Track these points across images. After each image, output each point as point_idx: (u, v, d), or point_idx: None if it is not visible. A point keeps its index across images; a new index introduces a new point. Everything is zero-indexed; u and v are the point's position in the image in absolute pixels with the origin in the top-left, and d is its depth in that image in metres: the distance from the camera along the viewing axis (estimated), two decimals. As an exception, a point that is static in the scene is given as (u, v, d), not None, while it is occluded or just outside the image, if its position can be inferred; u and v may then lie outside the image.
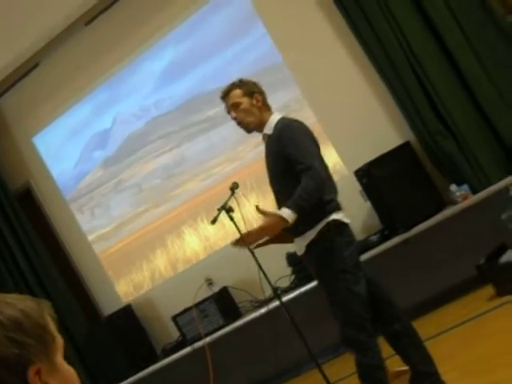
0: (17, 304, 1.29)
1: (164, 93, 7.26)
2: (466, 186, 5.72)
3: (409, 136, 6.12)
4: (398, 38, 5.90)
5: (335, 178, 6.40)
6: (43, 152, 7.82)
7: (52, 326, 1.33)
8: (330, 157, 6.45)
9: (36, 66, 7.48)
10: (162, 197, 7.37)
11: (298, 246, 4.10)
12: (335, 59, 6.39)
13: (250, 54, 6.84)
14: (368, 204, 6.05)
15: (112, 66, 7.27)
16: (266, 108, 4.25)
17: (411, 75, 5.89)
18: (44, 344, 1.29)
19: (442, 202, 5.89)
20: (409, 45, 5.86)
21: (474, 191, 5.69)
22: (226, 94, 4.26)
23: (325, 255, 3.92)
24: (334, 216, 3.96)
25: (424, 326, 5.35)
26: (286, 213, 3.81)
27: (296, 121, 4.18)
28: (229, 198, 4.44)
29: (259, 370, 6.29)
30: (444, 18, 5.74)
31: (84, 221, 7.82)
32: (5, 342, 1.22)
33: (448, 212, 5.67)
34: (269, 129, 4.16)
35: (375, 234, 5.96)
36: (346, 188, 6.13)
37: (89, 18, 7.10)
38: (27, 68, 7.46)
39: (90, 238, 7.80)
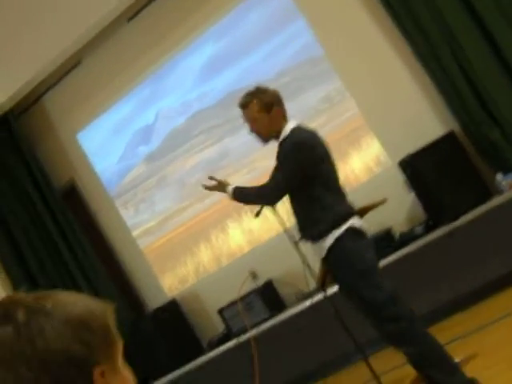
0: (85, 304, 1.31)
1: (205, 88, 7.29)
2: (512, 175, 5.66)
3: (453, 125, 6.07)
4: (440, 27, 5.85)
5: (379, 169, 6.45)
6: (87, 149, 7.90)
7: (115, 329, 1.35)
8: (373, 148, 6.44)
9: (79, 63, 7.56)
10: (205, 191, 7.38)
11: (318, 250, 4.10)
12: (377, 50, 6.36)
13: (289, 48, 6.84)
14: (412, 195, 6.01)
15: (154, 62, 7.32)
16: (283, 118, 4.20)
17: (454, 64, 5.84)
18: (109, 345, 1.31)
19: (489, 192, 5.83)
20: (452, 33, 5.81)
21: (521, 180, 5.63)
22: (243, 107, 4.21)
23: (345, 258, 3.94)
24: (352, 221, 3.98)
25: (471, 319, 5.32)
26: (230, 188, 4.27)
27: (304, 134, 4.17)
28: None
29: (304, 363, 6.29)
30: (488, 6, 5.67)
31: (128, 216, 7.89)
32: (74, 341, 1.24)
33: (495, 202, 5.62)
34: (283, 137, 4.17)
35: (420, 224, 5.92)
36: (389, 179, 6.13)
37: (131, 15, 7.15)
38: (70, 65, 7.53)
39: (135, 233, 7.87)
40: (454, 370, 3.75)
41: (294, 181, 4.04)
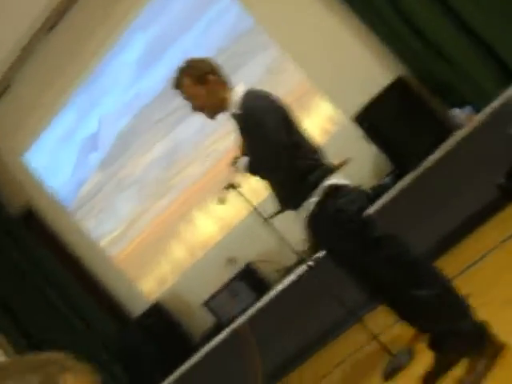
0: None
1: (143, 82, 7.16)
2: (468, 108, 5.62)
3: (400, 71, 6.01)
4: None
5: (334, 129, 6.39)
6: (36, 168, 7.73)
7: None
8: (325, 109, 6.38)
9: (8, 86, 7.37)
10: (165, 187, 7.29)
11: (300, 218, 3.88)
12: (309, 10, 6.26)
13: (220, 25, 6.74)
14: (374, 148, 5.96)
15: (84, 67, 7.17)
16: (223, 86, 3.91)
17: (389, 7, 5.77)
18: None
19: (449, 130, 5.80)
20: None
21: (478, 111, 5.59)
22: (176, 87, 3.93)
23: (334, 222, 3.70)
24: (330, 180, 3.77)
25: (458, 258, 5.30)
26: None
27: (260, 93, 3.93)
28: (233, 174, 4.31)
29: (301, 337, 6.24)
30: None
31: (92, 228, 7.75)
32: None
33: (456, 137, 5.58)
34: (234, 107, 3.86)
35: (388, 176, 5.88)
36: (348, 137, 6.07)
37: (50, 24, 6.97)
38: (0, 91, 7.36)
39: (102, 243, 7.73)
40: (467, 313, 3.61)
41: (283, 133, 3.77)
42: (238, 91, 3.88)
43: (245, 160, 3.80)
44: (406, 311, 3.79)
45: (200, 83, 3.85)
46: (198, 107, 3.90)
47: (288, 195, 3.80)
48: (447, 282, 3.64)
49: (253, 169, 3.81)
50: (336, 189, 3.75)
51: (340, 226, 3.66)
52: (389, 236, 3.73)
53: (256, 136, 3.77)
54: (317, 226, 3.76)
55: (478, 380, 3.26)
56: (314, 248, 4.23)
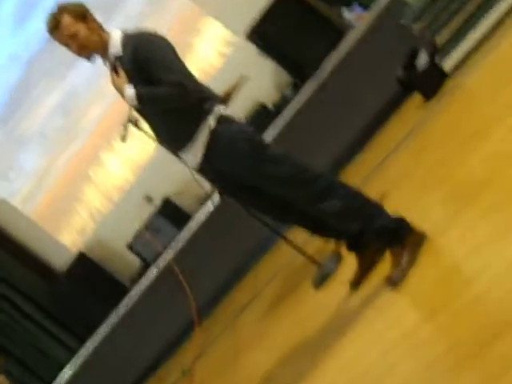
0: None
1: (25, 33, 6.91)
2: (357, 7, 5.61)
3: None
4: None
5: (229, 50, 6.32)
6: None
7: None
8: (217, 31, 6.29)
9: None
10: (69, 134, 7.14)
11: (192, 156, 3.75)
12: None
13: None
14: (270, 63, 5.92)
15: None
16: (100, 26, 3.64)
17: None
18: None
19: (341, 32, 5.78)
20: None
21: (367, 8, 5.58)
22: (55, 27, 3.57)
23: (234, 144, 3.61)
24: (221, 111, 3.67)
25: (368, 158, 5.35)
26: (128, 89, 3.50)
27: (145, 32, 3.78)
28: (130, 111, 4.20)
29: (229, 263, 6.27)
30: None
31: (2, 188, 7.56)
32: None
33: (350, 37, 5.57)
34: (116, 49, 3.60)
35: (288, 87, 5.86)
36: (245, 56, 6.01)
37: None
38: None
39: (15, 202, 7.56)
40: (379, 211, 3.62)
41: (179, 65, 3.63)
42: (115, 34, 3.72)
43: (131, 91, 3.61)
44: (316, 226, 3.80)
45: (81, 20, 3.67)
46: (80, 46, 3.71)
47: (181, 129, 3.68)
48: (352, 188, 3.65)
49: (144, 101, 3.65)
50: (226, 117, 3.68)
51: (241, 146, 3.59)
52: (287, 154, 3.69)
53: (150, 71, 3.65)
54: (214, 153, 3.66)
55: (405, 271, 3.29)
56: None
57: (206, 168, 3.69)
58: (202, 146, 3.59)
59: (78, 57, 3.73)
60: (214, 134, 3.57)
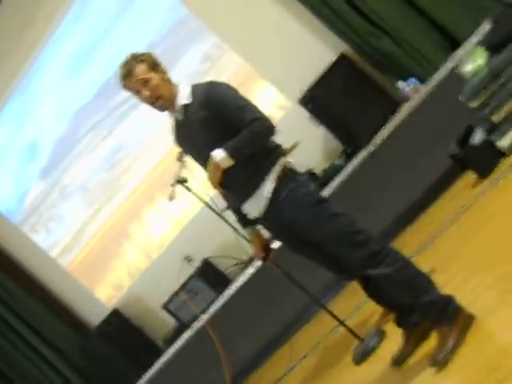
0: None
1: (77, 84, 7.07)
2: (413, 80, 5.66)
3: (342, 47, 6.02)
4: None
5: (280, 114, 6.39)
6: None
7: None
8: (269, 94, 6.38)
9: None
10: (111, 189, 7.23)
11: (255, 204, 3.81)
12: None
13: (152, 16, 6.69)
14: (322, 129, 5.97)
15: (14, 75, 7.05)
16: (170, 79, 3.87)
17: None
18: None
19: (396, 103, 5.83)
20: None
21: (424, 82, 5.64)
22: (129, 74, 3.80)
23: (298, 196, 3.69)
24: (286, 160, 3.76)
25: (416, 234, 5.34)
26: (216, 152, 3.60)
27: (216, 80, 3.92)
28: (179, 170, 4.27)
29: (267, 330, 6.25)
30: None
31: (41, 239, 7.66)
32: None
33: (404, 110, 5.61)
34: (185, 98, 3.81)
35: (339, 156, 5.90)
36: (295, 120, 6.08)
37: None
38: None
39: (54, 253, 7.65)
40: (430, 285, 3.62)
41: (253, 103, 3.72)
42: (184, 86, 3.85)
43: (221, 153, 3.65)
44: (370, 290, 3.81)
45: (154, 70, 3.82)
46: (152, 94, 3.82)
47: (251, 176, 3.73)
48: (405, 259, 3.66)
49: (238, 154, 3.67)
50: (292, 168, 3.75)
51: (303, 199, 3.64)
52: (346, 214, 3.73)
53: (225, 113, 3.72)
54: (280, 201, 3.71)
55: (451, 353, 3.28)
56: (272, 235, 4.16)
57: (267, 219, 3.76)
58: (266, 197, 3.66)
59: (150, 106, 3.87)
60: (280, 183, 3.65)
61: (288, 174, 3.68)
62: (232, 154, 3.59)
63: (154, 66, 3.82)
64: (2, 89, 7.13)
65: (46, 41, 6.94)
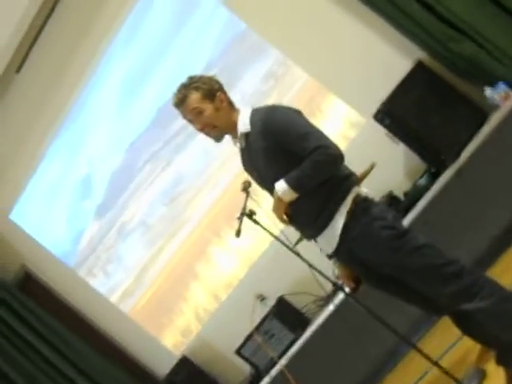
0: None
1: (131, 112, 7.13)
2: (502, 85, 5.54)
3: (418, 54, 5.94)
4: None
5: (353, 131, 6.34)
6: (27, 227, 7.69)
7: None
8: (340, 110, 6.33)
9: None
10: (172, 225, 7.25)
11: (327, 241, 3.81)
12: (307, 3, 6.22)
13: (207, 34, 6.72)
14: (401, 146, 5.89)
15: (62, 105, 7.13)
16: (231, 105, 3.98)
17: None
18: None
19: (483, 113, 5.72)
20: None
21: (513, 87, 5.53)
22: (182, 102, 3.93)
23: (373, 231, 3.64)
24: (358, 190, 3.74)
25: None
26: (278, 184, 3.66)
27: (275, 105, 3.93)
28: (245, 201, 4.26)
29: (352, 374, 6.16)
30: None
31: (100, 283, 7.71)
32: None
33: (494, 120, 5.50)
34: (244, 126, 3.89)
35: (421, 176, 5.81)
36: (370, 138, 6.01)
37: (18, 64, 6.96)
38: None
39: (114, 298, 7.69)
40: None
41: (316, 128, 3.74)
42: (244, 112, 3.87)
43: (282, 185, 3.67)
44: (466, 326, 3.73)
45: (209, 99, 3.87)
46: (205, 126, 3.87)
47: (321, 209, 3.71)
48: (504, 289, 3.57)
49: (301, 186, 3.69)
50: (365, 199, 3.72)
51: (379, 234, 3.60)
52: (431, 245, 3.67)
53: (288, 148, 3.73)
54: (352, 238, 3.69)
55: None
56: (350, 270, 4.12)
57: (341, 254, 3.73)
58: (339, 231, 3.63)
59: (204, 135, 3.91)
60: (352, 218, 3.61)
61: (360, 206, 3.64)
62: (294, 185, 3.60)
63: (210, 94, 3.84)
64: (51, 122, 7.21)
65: (95, 66, 7.01)
